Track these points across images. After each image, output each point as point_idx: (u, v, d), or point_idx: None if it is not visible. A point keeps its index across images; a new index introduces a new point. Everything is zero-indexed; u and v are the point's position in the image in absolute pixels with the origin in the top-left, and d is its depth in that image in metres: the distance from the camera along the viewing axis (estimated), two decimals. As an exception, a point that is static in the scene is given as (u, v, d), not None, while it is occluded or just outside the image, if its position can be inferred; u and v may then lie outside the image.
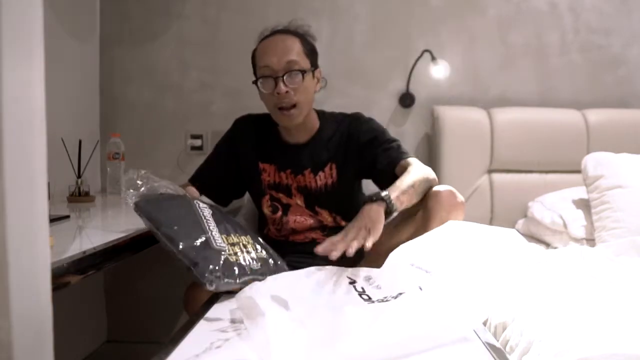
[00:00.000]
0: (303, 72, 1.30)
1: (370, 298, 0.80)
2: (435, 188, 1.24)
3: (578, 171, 1.73)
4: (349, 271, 0.97)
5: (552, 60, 2.11)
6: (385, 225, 1.38)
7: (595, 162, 1.67)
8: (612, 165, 1.63)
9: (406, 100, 2.08)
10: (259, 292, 0.83)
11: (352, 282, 0.89)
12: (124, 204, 1.75)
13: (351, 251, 1.01)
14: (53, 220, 1.21)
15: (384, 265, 1.04)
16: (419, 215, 1.24)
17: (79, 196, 1.67)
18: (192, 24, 2.11)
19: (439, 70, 2.05)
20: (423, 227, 1.19)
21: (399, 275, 0.95)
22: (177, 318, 2.10)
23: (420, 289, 0.85)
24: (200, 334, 0.79)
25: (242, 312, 0.83)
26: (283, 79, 1.27)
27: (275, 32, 1.35)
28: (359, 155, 1.39)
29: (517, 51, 2.10)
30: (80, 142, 1.72)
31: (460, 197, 1.22)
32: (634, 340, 0.79)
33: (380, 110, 2.07)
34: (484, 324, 0.96)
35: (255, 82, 1.35)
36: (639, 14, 2.11)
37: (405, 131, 2.11)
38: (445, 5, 2.09)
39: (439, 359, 0.70)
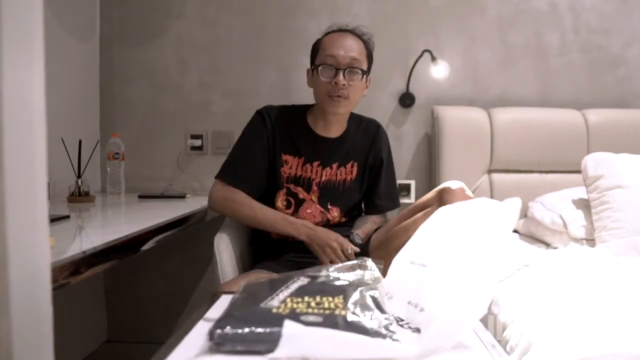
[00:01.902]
0: (363, 72, 1.37)
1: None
2: (446, 184, 1.32)
3: (578, 171, 1.73)
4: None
5: (552, 60, 2.11)
6: (400, 218, 1.44)
7: (595, 162, 1.67)
8: (612, 165, 1.63)
9: (406, 100, 2.08)
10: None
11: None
12: (124, 204, 1.75)
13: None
14: (53, 220, 1.21)
15: (388, 272, 1.01)
16: (433, 210, 1.27)
17: (79, 196, 1.67)
18: (192, 24, 2.11)
19: (439, 70, 2.05)
20: None
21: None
22: (177, 318, 2.10)
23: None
24: (200, 334, 0.79)
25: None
26: (344, 72, 1.34)
27: (344, 30, 1.42)
28: (373, 164, 1.51)
29: (517, 51, 2.10)
30: (80, 142, 1.72)
31: (470, 193, 1.30)
32: (634, 340, 0.79)
33: (380, 110, 2.07)
34: (485, 325, 0.96)
35: (312, 69, 1.41)
36: (639, 14, 2.11)
37: (405, 131, 2.11)
38: (445, 5, 2.09)
39: (440, 359, 0.70)
